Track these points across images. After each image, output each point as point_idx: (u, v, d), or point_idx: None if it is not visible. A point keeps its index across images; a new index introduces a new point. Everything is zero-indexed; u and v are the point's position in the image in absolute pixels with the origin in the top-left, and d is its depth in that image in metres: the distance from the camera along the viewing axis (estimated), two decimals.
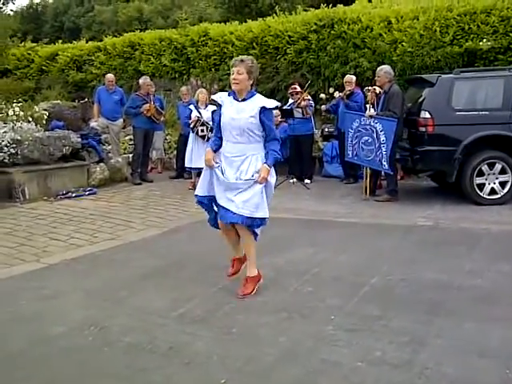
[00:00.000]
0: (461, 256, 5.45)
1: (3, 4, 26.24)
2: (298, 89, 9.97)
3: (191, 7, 30.06)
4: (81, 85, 15.72)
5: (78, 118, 12.15)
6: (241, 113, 4.34)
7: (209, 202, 4.62)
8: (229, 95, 4.49)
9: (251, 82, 4.40)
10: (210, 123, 9.51)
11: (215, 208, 4.60)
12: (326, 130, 11.17)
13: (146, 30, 16.32)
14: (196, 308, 4.31)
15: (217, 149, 4.53)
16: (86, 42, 16.95)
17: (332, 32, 11.67)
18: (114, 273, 5.25)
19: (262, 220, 4.47)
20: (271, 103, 4.42)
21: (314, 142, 10.61)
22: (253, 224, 4.45)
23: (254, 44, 12.79)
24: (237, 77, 4.32)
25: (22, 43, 18.34)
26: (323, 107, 10.35)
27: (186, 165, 9.78)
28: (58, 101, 13.83)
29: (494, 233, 6.37)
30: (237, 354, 3.52)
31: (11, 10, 39.26)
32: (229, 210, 4.36)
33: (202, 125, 9.52)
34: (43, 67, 16.65)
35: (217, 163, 4.45)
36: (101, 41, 16.38)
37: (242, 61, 4.35)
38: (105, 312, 4.26)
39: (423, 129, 7.89)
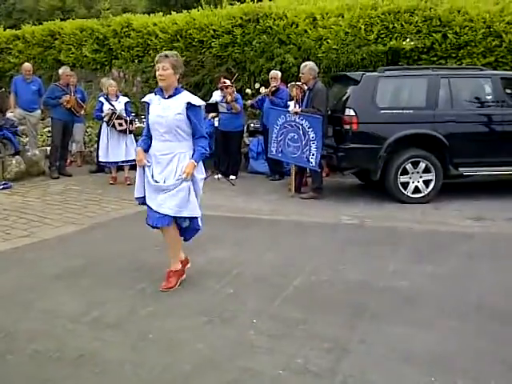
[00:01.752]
0: (385, 256, 5.39)
1: None
2: (228, 82, 9.72)
3: None
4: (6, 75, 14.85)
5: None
6: (167, 110, 4.33)
7: (144, 203, 4.54)
8: (155, 94, 4.44)
9: (177, 77, 4.34)
10: (125, 115, 9.22)
11: None
12: (252, 125, 10.97)
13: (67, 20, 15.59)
14: (110, 312, 4.06)
15: (147, 148, 4.47)
16: (4, 30, 16.02)
17: (257, 27, 11.53)
18: (24, 273, 4.94)
19: (192, 219, 4.52)
20: (198, 101, 4.37)
21: (242, 138, 10.41)
22: (180, 223, 4.51)
23: (179, 37, 12.48)
24: (162, 72, 4.25)
25: None
26: (248, 102, 10.16)
27: (102, 159, 9.39)
28: None
29: (418, 232, 6.36)
30: (152, 361, 3.30)
31: None
32: (156, 212, 4.35)
33: (119, 118, 9.13)
34: None
35: (148, 162, 4.41)
36: (19, 29, 15.53)
37: (166, 56, 4.27)
38: (11, 316, 3.98)
39: (348, 126, 7.83)
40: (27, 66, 10.97)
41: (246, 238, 6.07)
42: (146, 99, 4.50)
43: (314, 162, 7.90)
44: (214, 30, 11.99)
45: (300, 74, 8.31)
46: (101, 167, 10.24)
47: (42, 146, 11.50)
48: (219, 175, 9.70)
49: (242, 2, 12.36)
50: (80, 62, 13.78)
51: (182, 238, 4.68)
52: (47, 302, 4.23)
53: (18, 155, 9.81)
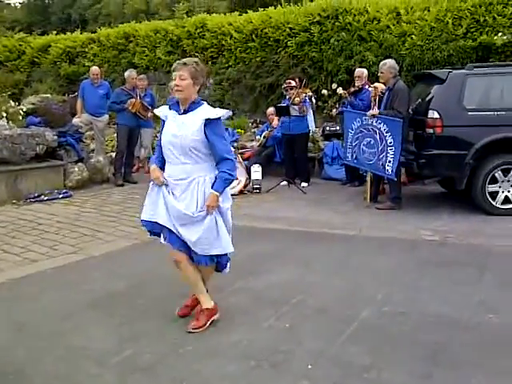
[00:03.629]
0: (470, 282, 4.64)
1: None
2: (293, 83, 9.14)
3: None
4: (73, 78, 14.95)
5: (67, 113, 11.38)
6: (182, 128, 3.66)
7: (153, 228, 3.87)
8: (170, 108, 3.80)
9: (197, 89, 3.71)
10: None
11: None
12: (328, 128, 10.36)
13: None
14: (144, 350, 3.53)
15: (161, 167, 3.84)
16: (81, 33, 16.22)
17: (336, 23, 10.91)
18: (60, 298, 4.47)
19: (221, 256, 3.86)
20: (216, 112, 3.68)
21: (308, 141, 9.74)
22: (209, 261, 3.83)
23: (254, 36, 12.06)
24: (179, 83, 3.63)
25: (17, 34, 17.71)
26: (334, 111, 9.50)
27: None
28: (48, 95, 13.21)
29: (509, 251, 5.52)
30: None
31: (20, 3, 39.06)
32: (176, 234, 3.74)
33: None
34: (35, 59, 15.99)
35: (166, 180, 3.77)
36: (95, 32, 15.65)
37: (184, 64, 3.66)
38: (32, 354, 3.51)
39: (431, 130, 7.02)
40: (95, 69, 10.85)
41: (312, 258, 5.44)
42: (159, 113, 3.88)
43: (390, 170, 7.17)
44: (291, 28, 11.48)
45: (379, 73, 7.59)
46: None
47: (112, 151, 11.33)
48: (288, 182, 9.10)
49: None
50: (154, 65, 13.63)
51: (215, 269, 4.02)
52: (77, 336, 3.75)
53: (81, 162, 9.57)
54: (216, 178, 3.68)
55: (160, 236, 3.88)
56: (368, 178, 7.84)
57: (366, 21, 10.62)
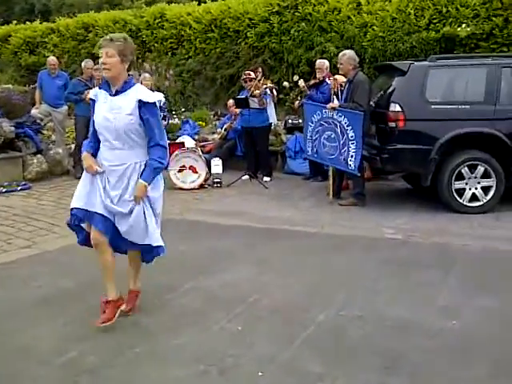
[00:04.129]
0: (433, 283, 4.45)
1: None
2: (252, 75, 8.89)
3: None
4: (33, 68, 14.41)
5: (28, 103, 11.01)
6: (115, 111, 3.44)
7: (84, 217, 3.63)
8: (100, 88, 3.58)
9: (126, 67, 3.46)
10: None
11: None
12: (290, 121, 10.12)
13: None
14: (90, 352, 3.34)
15: (94, 152, 3.61)
16: (40, 23, 15.70)
17: (296, 14, 10.68)
18: (7, 295, 4.31)
19: (152, 247, 3.74)
20: (152, 96, 3.50)
21: (269, 135, 9.49)
22: (141, 250, 3.81)
23: (213, 26, 11.79)
24: (106, 60, 3.38)
25: None
26: (296, 103, 9.26)
27: None
28: (9, 85, 12.87)
29: (475, 251, 5.34)
30: None
31: None
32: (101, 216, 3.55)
33: None
34: None
35: (100, 167, 3.55)
36: (54, 22, 15.17)
37: (111, 40, 3.41)
38: None
39: (393, 124, 6.82)
40: (52, 59, 10.46)
41: (270, 256, 5.22)
42: (91, 95, 3.66)
43: (353, 165, 6.97)
44: (250, 19, 11.23)
45: (338, 65, 7.37)
46: None
47: (72, 143, 10.97)
48: (248, 177, 8.85)
49: None
50: None
51: (141, 259, 3.93)
52: (23, 335, 3.57)
53: (40, 154, 9.30)
54: (145, 165, 3.50)
55: (77, 231, 3.75)
56: (330, 173, 7.63)
57: (326, 11, 10.40)
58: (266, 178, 8.98)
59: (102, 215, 3.52)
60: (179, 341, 3.49)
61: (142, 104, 3.41)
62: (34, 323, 3.77)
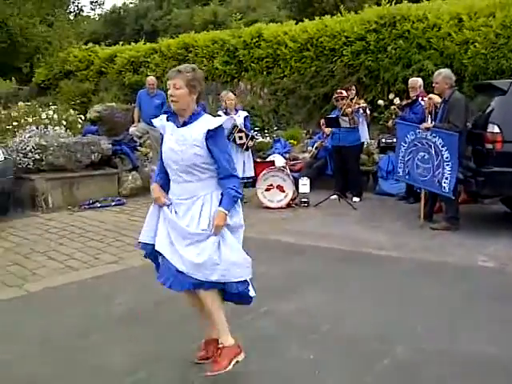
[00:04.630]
0: None
1: (92, 9, 27.00)
2: (344, 94, 8.76)
3: (264, 9, 29.63)
4: (136, 87, 15.03)
5: (129, 121, 11.58)
6: (182, 143, 3.27)
7: (154, 251, 3.44)
8: (168, 120, 3.40)
9: (194, 98, 3.31)
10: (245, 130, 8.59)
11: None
12: (384, 140, 9.85)
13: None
14: (158, 374, 3.37)
15: (163, 184, 3.46)
16: (144, 44, 16.45)
17: (393, 31, 10.48)
18: (89, 311, 4.44)
19: (235, 283, 3.32)
20: (217, 121, 3.28)
21: (360, 154, 9.34)
22: (213, 287, 3.31)
23: (309, 45, 11.80)
24: (173, 92, 3.26)
25: (86, 45, 18.29)
26: (390, 123, 9.06)
27: None
28: (113, 103, 13.52)
29: None
30: None
31: (98, 15, 40.60)
32: (172, 266, 3.26)
33: (240, 131, 8.52)
34: (102, 69, 16.45)
35: (169, 200, 3.38)
36: (156, 42, 15.83)
37: (179, 72, 3.27)
38: (50, 369, 3.46)
39: (490, 145, 6.48)
40: (151, 79, 10.89)
41: (352, 281, 5.08)
42: (157, 124, 3.47)
43: (447, 188, 6.64)
44: (346, 37, 11.14)
45: (433, 84, 7.09)
46: None
47: None
48: (337, 197, 8.63)
49: (379, 5, 11.33)
50: (212, 75, 13.54)
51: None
52: (98, 352, 3.67)
53: (135, 171, 9.64)
54: (222, 195, 3.29)
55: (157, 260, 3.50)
56: (422, 195, 7.33)
57: (425, 28, 10.12)
58: (356, 199, 8.79)
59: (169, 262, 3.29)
60: (250, 368, 3.43)
61: (209, 134, 3.23)
62: (109, 341, 3.85)
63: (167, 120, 3.41)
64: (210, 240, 3.22)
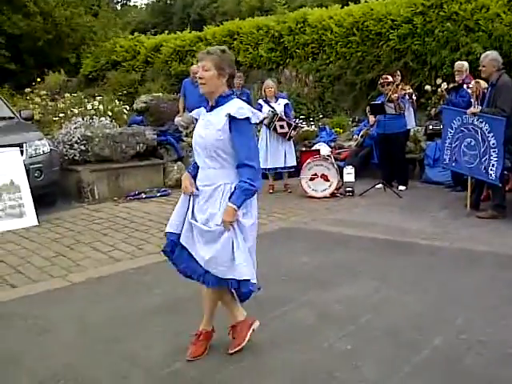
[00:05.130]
0: None
1: None
2: (390, 79, 8.58)
3: None
4: (182, 77, 15.10)
5: (175, 111, 11.68)
6: (207, 127, 3.24)
7: (175, 242, 3.43)
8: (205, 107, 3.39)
9: (224, 81, 3.23)
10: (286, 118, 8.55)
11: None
12: (431, 127, 9.60)
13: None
14: (195, 365, 3.40)
15: (195, 174, 3.44)
16: (189, 32, 16.51)
17: (440, 13, 10.21)
18: (132, 301, 4.51)
19: (240, 282, 3.29)
20: (241, 111, 3.18)
21: (406, 141, 9.16)
22: (225, 285, 3.34)
23: (355, 30, 11.64)
24: (202, 74, 3.20)
25: (133, 35, 18.53)
26: (433, 111, 8.87)
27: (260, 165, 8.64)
28: (160, 93, 13.63)
29: None
30: None
31: (145, 4, 41.11)
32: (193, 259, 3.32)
33: (280, 120, 8.50)
34: (148, 59, 16.57)
35: (197, 190, 3.36)
36: (202, 31, 15.87)
37: (208, 53, 3.21)
38: (88, 359, 3.52)
39: None
40: (195, 68, 10.76)
41: (392, 271, 5.01)
42: (193, 113, 3.49)
43: (494, 175, 6.47)
44: (393, 20, 10.93)
45: (480, 67, 6.88)
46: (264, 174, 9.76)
47: None
48: (382, 185, 8.50)
49: None
50: (257, 63, 13.53)
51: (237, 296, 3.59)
52: (136, 343, 3.71)
53: (181, 161, 9.70)
54: (235, 188, 3.21)
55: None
56: (469, 183, 7.16)
57: (473, 9, 9.84)
58: (401, 187, 8.64)
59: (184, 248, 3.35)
60: (286, 357, 3.44)
61: (232, 118, 3.16)
62: (146, 331, 3.89)
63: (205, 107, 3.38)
64: (222, 237, 3.20)
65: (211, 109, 3.30)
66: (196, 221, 3.30)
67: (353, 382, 3.13)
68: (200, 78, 3.22)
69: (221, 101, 3.25)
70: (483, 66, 6.77)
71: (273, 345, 3.62)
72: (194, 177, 3.42)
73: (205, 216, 3.27)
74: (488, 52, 6.95)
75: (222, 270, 3.23)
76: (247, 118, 3.20)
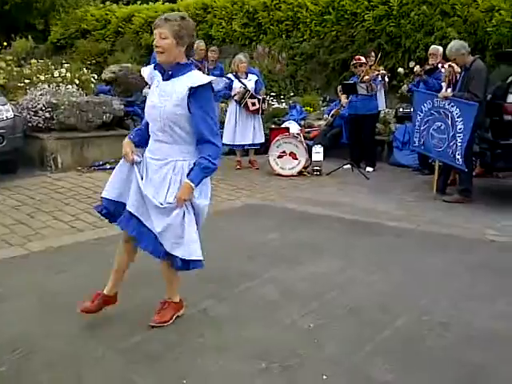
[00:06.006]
0: None
1: None
2: (363, 60, 8.53)
3: None
4: (152, 48, 14.91)
5: (143, 82, 11.41)
6: (163, 98, 3.04)
7: (115, 211, 3.32)
8: (154, 68, 3.17)
9: (183, 50, 3.05)
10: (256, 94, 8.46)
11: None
12: (401, 110, 9.63)
13: None
14: (155, 337, 3.32)
15: (138, 141, 3.30)
16: (162, 4, 16.18)
17: None
18: (92, 271, 4.34)
19: (184, 261, 3.20)
20: (203, 79, 3.03)
21: (376, 123, 9.14)
22: (172, 263, 3.25)
23: (331, 8, 11.49)
24: (159, 42, 2.99)
25: (104, 3, 18.06)
26: (404, 88, 8.85)
27: (227, 142, 8.52)
28: (129, 64, 13.33)
29: None
30: None
31: None
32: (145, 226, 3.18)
33: (252, 97, 8.38)
34: (119, 29, 16.20)
35: (139, 157, 3.22)
36: (175, 2, 15.55)
37: (166, 20, 2.98)
38: (45, 328, 3.42)
39: (509, 117, 6.32)
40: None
41: (358, 251, 4.99)
42: (145, 74, 3.25)
43: (460, 160, 6.50)
44: (369, 1, 10.85)
45: (451, 62, 6.82)
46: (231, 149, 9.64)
47: None
48: (350, 166, 8.51)
49: None
50: (230, 38, 13.33)
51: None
52: (91, 314, 3.50)
53: None
54: (194, 164, 3.07)
55: (111, 218, 3.41)
56: (436, 167, 7.18)
57: None
58: (369, 169, 8.65)
59: (134, 216, 3.19)
60: (247, 333, 3.40)
61: (193, 91, 2.97)
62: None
63: (154, 68, 3.18)
64: (173, 214, 3.09)
65: (168, 78, 3.09)
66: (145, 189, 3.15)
67: (315, 360, 3.10)
68: (156, 46, 3.02)
69: (179, 71, 3.07)
70: (454, 59, 6.72)
71: (235, 321, 3.57)
72: (137, 144, 3.29)
73: (153, 190, 3.12)
74: (450, 45, 6.78)
75: (170, 244, 3.14)
76: (209, 84, 3.04)
